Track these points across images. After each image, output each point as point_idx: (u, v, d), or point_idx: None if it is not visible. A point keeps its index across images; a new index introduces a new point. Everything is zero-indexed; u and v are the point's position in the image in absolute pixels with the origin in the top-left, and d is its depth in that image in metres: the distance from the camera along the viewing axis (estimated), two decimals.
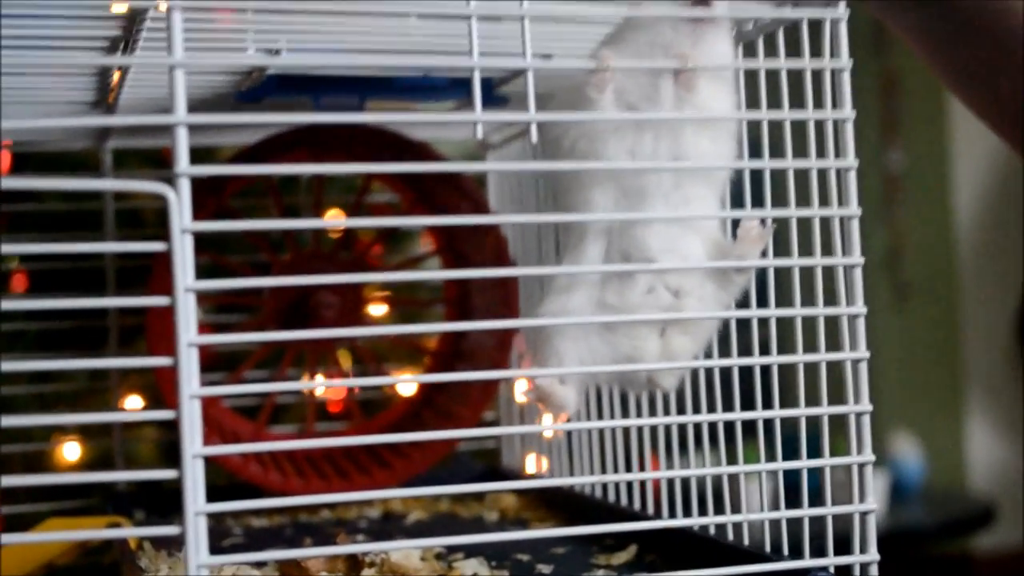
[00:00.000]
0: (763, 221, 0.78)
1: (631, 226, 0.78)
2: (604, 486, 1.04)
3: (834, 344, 0.77)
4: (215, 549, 0.65)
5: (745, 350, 0.80)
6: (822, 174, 0.77)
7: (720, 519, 0.79)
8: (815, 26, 0.77)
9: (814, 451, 0.77)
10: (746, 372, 0.81)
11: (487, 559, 0.85)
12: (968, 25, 0.82)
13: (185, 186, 0.64)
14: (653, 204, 0.78)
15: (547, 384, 0.79)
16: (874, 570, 0.76)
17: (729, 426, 0.83)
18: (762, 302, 0.80)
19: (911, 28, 0.85)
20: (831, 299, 0.77)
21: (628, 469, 0.99)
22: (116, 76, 0.91)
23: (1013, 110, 0.84)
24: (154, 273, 1.02)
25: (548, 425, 1.02)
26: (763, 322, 0.80)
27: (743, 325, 0.81)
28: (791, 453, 0.77)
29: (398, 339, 1.31)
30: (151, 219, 1.32)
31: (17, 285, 1.28)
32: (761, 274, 0.81)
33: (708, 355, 0.82)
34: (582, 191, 0.79)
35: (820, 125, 0.77)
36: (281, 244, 1.19)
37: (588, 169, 0.78)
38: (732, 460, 0.81)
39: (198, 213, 0.65)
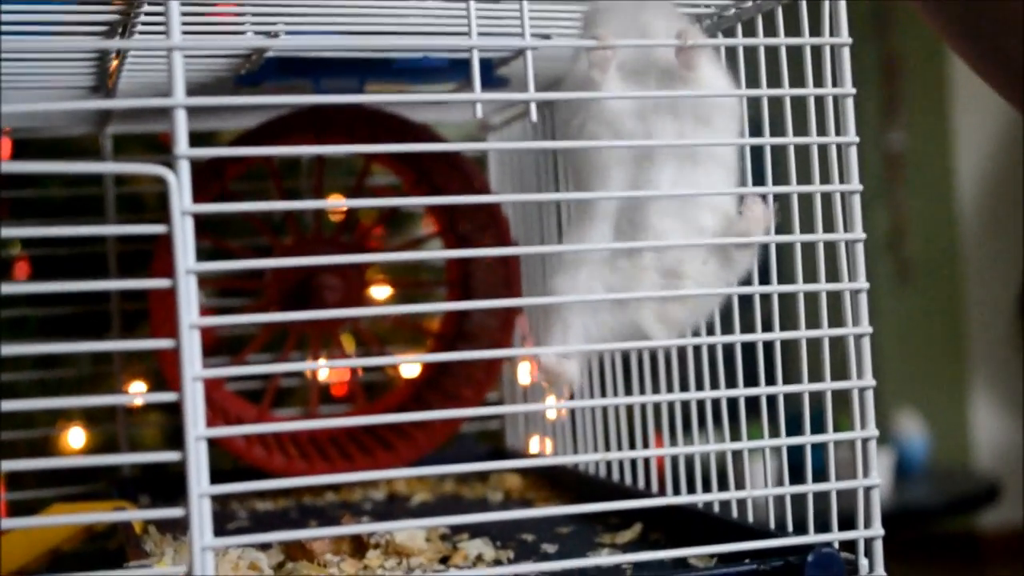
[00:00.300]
0: (764, 198, 0.78)
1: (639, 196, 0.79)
2: (608, 466, 1.04)
3: (837, 321, 0.77)
4: (220, 532, 0.65)
5: (748, 327, 0.80)
6: (823, 151, 0.77)
7: (724, 496, 0.79)
8: (813, 4, 0.77)
9: (818, 428, 0.77)
10: (749, 349, 0.81)
11: (492, 539, 0.86)
12: None
13: (185, 168, 0.64)
14: (662, 168, 0.78)
15: (553, 363, 0.79)
16: (879, 545, 0.76)
17: (733, 403, 0.83)
18: (764, 279, 0.80)
19: None
20: (833, 276, 0.77)
21: (632, 448, 0.99)
22: (115, 61, 0.91)
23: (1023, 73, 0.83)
24: (155, 256, 1.02)
25: (552, 404, 1.02)
26: (765, 299, 0.80)
27: (746, 302, 0.81)
28: (795, 431, 0.77)
29: (401, 322, 1.31)
30: (152, 204, 1.32)
31: (19, 272, 1.28)
32: (763, 251, 0.80)
33: (711, 332, 0.82)
34: (602, 170, 0.79)
35: (820, 102, 0.77)
36: (283, 228, 1.19)
37: (602, 149, 0.79)
38: (736, 437, 0.82)
39: (199, 198, 0.65)
